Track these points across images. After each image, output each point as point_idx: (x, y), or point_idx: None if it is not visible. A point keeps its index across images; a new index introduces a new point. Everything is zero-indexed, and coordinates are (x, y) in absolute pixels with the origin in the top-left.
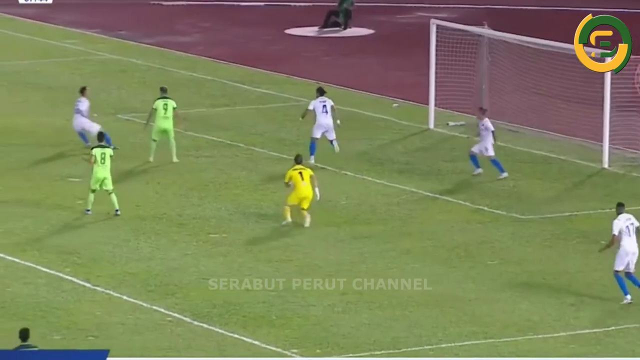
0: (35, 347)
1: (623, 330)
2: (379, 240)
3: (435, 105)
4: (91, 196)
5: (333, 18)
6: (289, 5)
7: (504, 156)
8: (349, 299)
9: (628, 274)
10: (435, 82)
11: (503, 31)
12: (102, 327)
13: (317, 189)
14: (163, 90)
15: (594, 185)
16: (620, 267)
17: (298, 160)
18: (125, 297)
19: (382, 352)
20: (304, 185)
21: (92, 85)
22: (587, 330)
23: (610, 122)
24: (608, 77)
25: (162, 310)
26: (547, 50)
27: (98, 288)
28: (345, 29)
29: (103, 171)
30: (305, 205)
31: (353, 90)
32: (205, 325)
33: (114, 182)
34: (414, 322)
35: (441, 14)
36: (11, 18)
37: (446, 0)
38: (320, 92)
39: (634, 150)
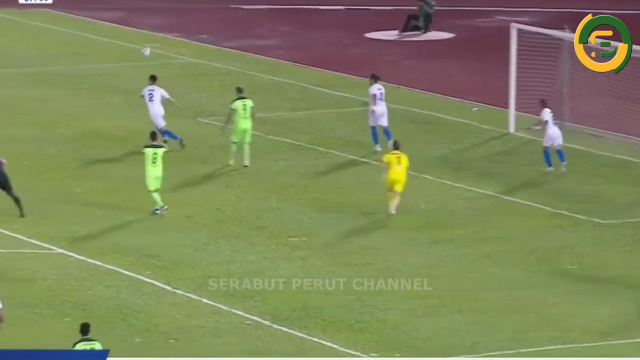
0: (95, 341)
1: None
2: (459, 244)
3: (516, 109)
4: (154, 196)
5: (413, 22)
6: (369, 9)
7: (584, 160)
8: (428, 303)
9: None
10: (516, 86)
11: None
12: (182, 330)
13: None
14: (239, 90)
15: None
16: None
17: (396, 145)
18: (205, 300)
19: (462, 356)
20: (397, 169)
21: (172, 88)
22: None
23: None
24: None
25: (242, 313)
26: None
27: (178, 291)
28: (425, 32)
29: (155, 170)
30: (399, 188)
31: (433, 94)
32: (284, 329)
33: (194, 185)
34: (494, 327)
35: (522, 17)
36: (93, 22)
37: (527, 4)
38: (375, 78)
39: None
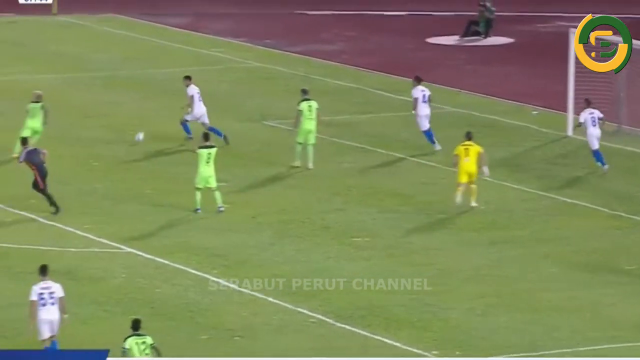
0: (146, 335)
1: None
2: (517, 245)
3: (574, 112)
4: (198, 194)
5: (474, 27)
6: (431, 15)
7: None
8: (487, 303)
9: None
10: (574, 89)
11: None
12: (248, 328)
13: (485, 167)
14: (305, 92)
15: None
16: None
17: (468, 136)
18: (270, 299)
19: (521, 354)
20: (466, 162)
21: (238, 92)
22: None
23: None
24: None
25: (306, 311)
26: None
27: (244, 290)
28: (485, 37)
29: (208, 170)
30: (467, 179)
31: (493, 98)
32: (348, 327)
33: (259, 186)
34: (552, 326)
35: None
36: (163, 27)
37: (586, 9)
38: (418, 80)
39: None
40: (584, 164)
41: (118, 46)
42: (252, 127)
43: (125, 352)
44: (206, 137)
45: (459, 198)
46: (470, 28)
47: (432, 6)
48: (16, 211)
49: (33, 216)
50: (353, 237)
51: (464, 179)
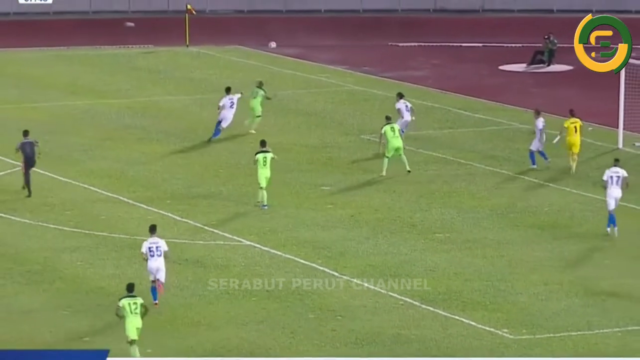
0: (137, 297)
1: None
2: (576, 240)
3: (624, 128)
4: (264, 193)
5: (539, 56)
6: (502, 46)
7: None
8: (550, 289)
9: None
10: (624, 109)
11: None
12: (347, 309)
13: (590, 129)
14: (388, 118)
15: None
16: None
17: (572, 112)
18: (366, 285)
19: (578, 333)
20: (575, 137)
21: (340, 111)
22: None
23: None
24: None
25: (396, 295)
26: None
27: (344, 277)
28: (549, 65)
29: (266, 171)
30: (575, 150)
31: (555, 116)
32: (431, 308)
33: (357, 189)
34: (606, 309)
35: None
36: (278, 57)
37: (636, 41)
38: (400, 95)
39: None
40: (632, 172)
41: (240, 72)
42: (352, 140)
43: (119, 309)
44: (263, 144)
45: (574, 168)
46: (536, 57)
47: (504, 38)
48: (155, 209)
49: (169, 214)
50: (435, 233)
51: (575, 149)
